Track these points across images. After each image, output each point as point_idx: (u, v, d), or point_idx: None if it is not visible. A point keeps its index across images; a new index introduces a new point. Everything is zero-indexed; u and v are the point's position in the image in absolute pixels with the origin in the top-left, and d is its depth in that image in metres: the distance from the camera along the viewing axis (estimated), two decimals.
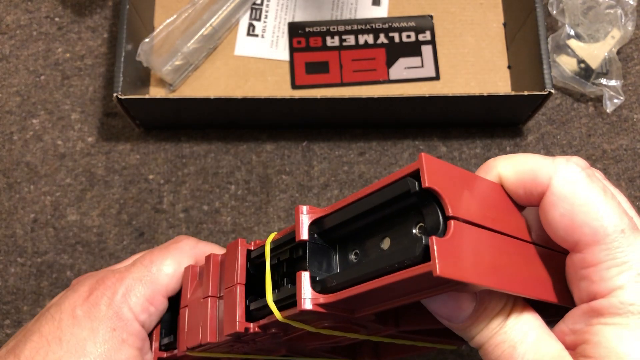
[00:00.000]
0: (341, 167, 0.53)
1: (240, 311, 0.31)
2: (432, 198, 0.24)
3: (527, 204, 0.25)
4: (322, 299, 0.27)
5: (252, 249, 0.32)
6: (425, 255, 0.23)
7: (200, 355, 0.34)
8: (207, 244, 0.38)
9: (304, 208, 0.28)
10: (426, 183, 0.23)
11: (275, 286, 0.30)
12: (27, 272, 0.50)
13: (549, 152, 0.53)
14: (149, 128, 0.53)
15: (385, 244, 0.27)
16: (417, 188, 0.24)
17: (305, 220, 0.28)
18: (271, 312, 0.29)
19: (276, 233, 0.30)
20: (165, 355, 0.36)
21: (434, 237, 0.22)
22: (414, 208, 0.25)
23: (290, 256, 0.29)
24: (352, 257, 0.28)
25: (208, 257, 0.34)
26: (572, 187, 0.23)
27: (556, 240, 0.24)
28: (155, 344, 0.36)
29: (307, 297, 0.27)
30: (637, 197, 0.52)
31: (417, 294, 0.25)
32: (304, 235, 0.28)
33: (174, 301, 0.37)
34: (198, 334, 0.33)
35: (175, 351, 0.35)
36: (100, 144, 0.53)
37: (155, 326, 0.36)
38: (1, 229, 0.51)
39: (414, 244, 0.24)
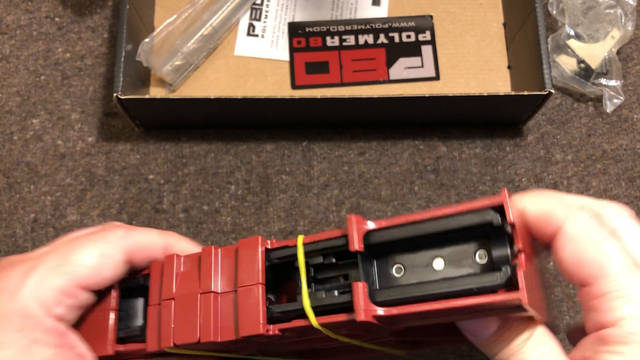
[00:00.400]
0: (341, 167, 0.53)
1: (262, 313, 0.30)
2: (500, 230, 0.27)
3: (540, 240, 0.28)
4: (381, 311, 0.27)
5: (269, 247, 0.31)
6: (508, 284, 0.25)
7: (181, 352, 0.32)
8: (141, 233, 0.34)
9: (358, 218, 0.28)
10: (511, 219, 0.26)
11: (298, 291, 0.30)
12: None
13: (549, 151, 0.53)
14: (149, 128, 0.53)
15: (438, 264, 0.28)
16: (500, 222, 0.26)
17: (358, 230, 0.28)
18: (300, 317, 0.29)
19: (304, 236, 0.30)
20: (122, 348, 0.33)
21: (520, 270, 0.25)
22: (476, 235, 0.28)
23: (322, 262, 0.30)
24: (394, 271, 0.29)
25: (207, 250, 0.32)
26: (582, 230, 0.26)
27: (567, 277, 0.27)
28: (111, 335, 0.33)
29: (366, 309, 0.27)
30: (637, 197, 0.52)
31: (474, 315, 0.28)
32: (358, 245, 0.28)
33: (135, 289, 0.35)
34: (195, 331, 0.31)
35: (141, 345, 0.33)
36: (101, 144, 0.53)
37: (80, 317, 0.32)
38: (1, 229, 0.51)
39: (486, 270, 0.27)
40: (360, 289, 0.27)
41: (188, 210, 0.51)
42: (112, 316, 0.34)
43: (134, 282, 0.35)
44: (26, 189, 0.52)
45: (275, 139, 0.53)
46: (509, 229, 0.26)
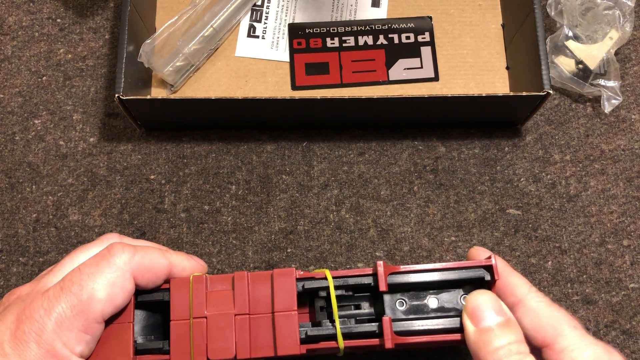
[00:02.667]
0: (341, 167, 0.53)
1: (298, 336, 0.35)
2: (484, 284, 0.37)
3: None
4: (398, 340, 0.35)
5: (298, 277, 0.37)
6: None
7: None
8: (146, 253, 0.35)
9: (385, 263, 0.36)
10: (497, 278, 0.36)
11: (320, 317, 0.37)
12: (29, 272, 0.50)
13: (547, 152, 0.53)
14: (150, 128, 0.54)
15: (432, 303, 0.37)
16: (489, 279, 0.36)
17: (385, 273, 0.36)
18: (327, 340, 0.36)
19: (329, 270, 0.37)
20: None
21: None
22: (462, 284, 0.37)
23: (343, 294, 0.37)
24: (397, 304, 0.38)
25: (241, 275, 0.36)
26: (539, 304, 0.35)
27: (528, 338, 0.35)
28: (129, 348, 0.35)
29: (392, 338, 0.35)
30: (635, 197, 0.52)
31: (461, 343, 0.36)
32: (385, 287, 0.36)
33: (152, 303, 0.37)
34: (232, 348, 0.35)
35: (162, 356, 0.35)
36: (102, 144, 0.54)
37: (96, 345, 0.34)
38: (3, 229, 0.51)
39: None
40: (387, 322, 0.35)
41: (189, 210, 0.52)
42: (129, 328, 0.35)
43: (154, 297, 0.37)
44: (28, 189, 0.52)
45: (275, 139, 0.54)
46: (491, 284, 0.36)
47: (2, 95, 0.55)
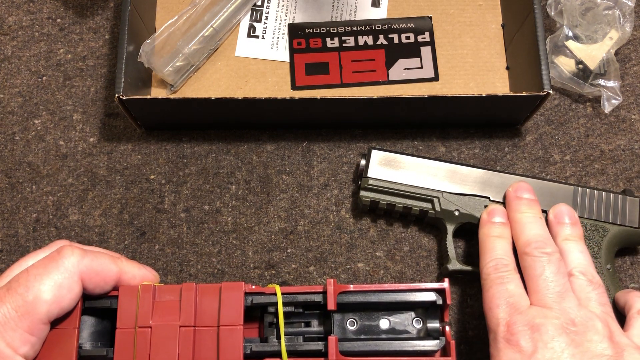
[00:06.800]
0: (341, 167, 0.53)
1: (242, 351, 0.35)
2: (436, 307, 0.37)
3: None
4: None
5: (247, 291, 0.37)
6: (443, 350, 0.37)
7: None
8: (96, 257, 0.35)
9: (335, 281, 0.36)
10: (449, 301, 0.37)
11: (268, 332, 0.37)
12: None
13: (547, 152, 0.53)
14: (150, 128, 0.54)
15: (384, 324, 0.38)
16: (441, 302, 0.37)
17: (335, 292, 0.36)
18: (272, 356, 0.36)
19: (279, 286, 0.37)
20: None
21: (453, 341, 0.36)
22: (415, 307, 0.38)
23: (293, 311, 0.37)
24: (348, 324, 0.38)
25: (189, 286, 0.36)
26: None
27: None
28: (73, 353, 0.35)
29: (337, 359, 0.35)
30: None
31: None
32: (334, 305, 0.36)
33: (99, 309, 0.37)
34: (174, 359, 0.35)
35: None
36: (102, 144, 0.54)
37: (40, 348, 0.34)
38: (3, 229, 0.51)
39: (422, 335, 0.38)
40: (333, 342, 0.35)
41: (189, 210, 0.52)
42: (74, 334, 0.35)
43: (102, 303, 0.37)
44: (28, 189, 0.52)
45: (275, 139, 0.54)
46: (443, 307, 0.37)
47: (2, 95, 0.55)
